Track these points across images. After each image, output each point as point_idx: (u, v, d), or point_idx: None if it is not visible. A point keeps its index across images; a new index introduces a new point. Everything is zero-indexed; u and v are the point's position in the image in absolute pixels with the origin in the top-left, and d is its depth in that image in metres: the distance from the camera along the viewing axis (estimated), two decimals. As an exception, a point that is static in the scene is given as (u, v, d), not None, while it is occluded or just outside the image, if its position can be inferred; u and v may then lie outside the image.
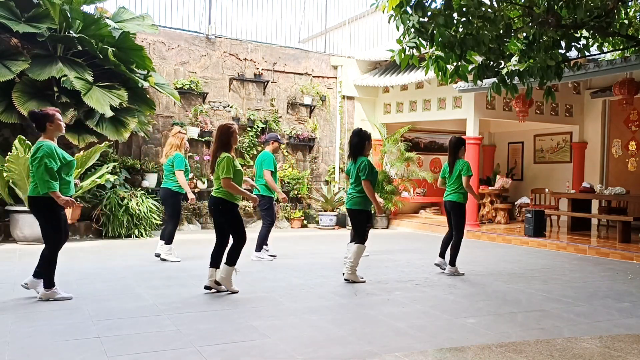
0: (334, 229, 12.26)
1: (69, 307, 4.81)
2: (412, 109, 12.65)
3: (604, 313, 5.06)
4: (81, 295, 5.22)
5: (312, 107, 12.95)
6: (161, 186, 7.50)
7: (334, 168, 13.22)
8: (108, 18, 9.66)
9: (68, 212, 9.18)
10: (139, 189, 10.23)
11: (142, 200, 9.82)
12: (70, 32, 9.06)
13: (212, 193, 5.59)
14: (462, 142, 7.00)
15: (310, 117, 12.99)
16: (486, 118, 12.03)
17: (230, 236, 5.59)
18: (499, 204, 12.54)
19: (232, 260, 5.49)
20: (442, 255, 7.05)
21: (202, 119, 11.47)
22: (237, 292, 5.50)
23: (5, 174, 8.55)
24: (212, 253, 5.62)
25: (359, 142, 6.24)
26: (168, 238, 7.33)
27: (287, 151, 12.61)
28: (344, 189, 13.05)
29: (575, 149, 12.94)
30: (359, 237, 6.23)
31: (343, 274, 6.25)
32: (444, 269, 6.93)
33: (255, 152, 12.01)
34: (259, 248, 7.64)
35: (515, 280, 6.58)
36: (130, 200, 9.63)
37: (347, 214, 6.61)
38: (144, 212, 9.69)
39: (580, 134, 12.86)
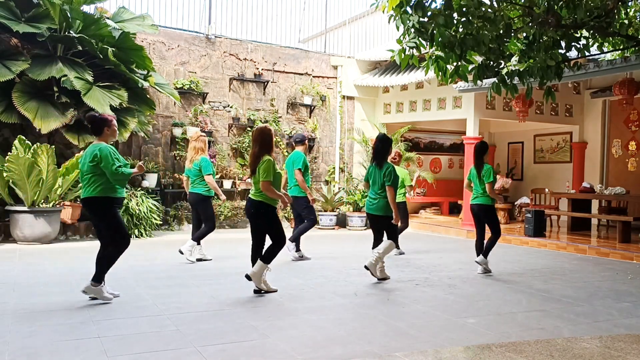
0: (334, 229, 12.25)
1: (69, 307, 4.82)
2: (412, 109, 12.65)
3: (604, 313, 5.06)
4: (81, 295, 5.22)
5: (312, 107, 12.95)
6: (190, 191, 7.39)
7: (334, 168, 13.21)
8: (108, 18, 9.66)
9: (68, 212, 9.25)
10: (139, 189, 10.22)
11: (142, 200, 9.82)
12: (70, 32, 9.06)
13: (251, 196, 5.55)
14: (487, 146, 7.19)
15: (310, 117, 12.99)
16: (486, 118, 12.03)
17: (268, 237, 5.60)
18: (499, 204, 12.52)
19: (268, 259, 5.51)
20: (483, 254, 7.07)
21: (202, 119, 11.47)
22: (275, 290, 5.57)
23: (5, 174, 8.55)
24: (251, 256, 5.64)
25: (384, 148, 6.34)
26: (198, 237, 7.30)
27: (287, 151, 12.60)
28: (344, 189, 13.05)
29: (575, 149, 12.94)
30: (393, 238, 6.36)
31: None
32: (489, 270, 6.98)
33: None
34: (293, 238, 7.68)
35: (515, 280, 6.58)
36: (130, 200, 9.63)
37: (369, 219, 6.59)
38: (144, 212, 9.69)
39: (580, 134, 12.87)
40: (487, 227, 7.10)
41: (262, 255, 5.51)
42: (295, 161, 7.61)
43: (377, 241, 6.48)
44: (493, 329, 4.42)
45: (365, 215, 12.32)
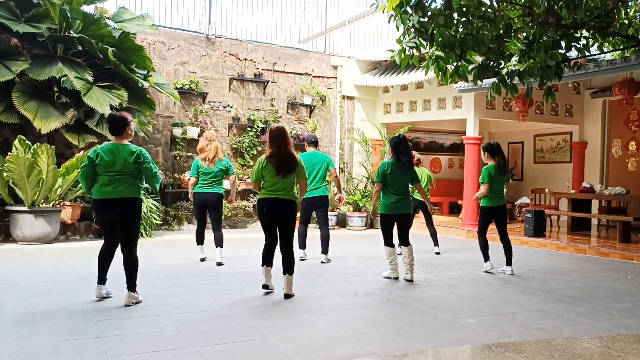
0: (334, 229, 12.24)
1: (69, 307, 4.82)
2: (412, 109, 12.65)
3: (604, 313, 5.06)
4: (81, 296, 5.22)
5: (312, 107, 12.95)
6: (208, 191, 7.19)
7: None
8: (108, 18, 9.66)
9: (68, 212, 9.25)
10: (139, 189, 10.21)
11: (142, 200, 9.81)
12: (70, 32, 9.06)
13: (283, 196, 5.37)
14: None
15: (310, 117, 12.99)
16: (486, 118, 12.03)
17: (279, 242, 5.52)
18: (499, 204, 12.52)
19: (293, 269, 5.45)
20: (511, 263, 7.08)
21: (202, 119, 11.47)
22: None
23: (5, 174, 8.55)
24: (266, 257, 5.53)
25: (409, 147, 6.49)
26: (222, 241, 7.25)
27: (287, 151, 12.59)
28: (344, 189, 13.04)
29: (575, 149, 12.94)
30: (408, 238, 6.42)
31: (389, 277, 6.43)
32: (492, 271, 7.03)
33: (255, 152, 12.03)
34: (326, 250, 7.65)
35: (515, 280, 6.58)
36: (130, 200, 9.61)
37: (396, 219, 6.39)
38: (144, 212, 9.69)
39: (580, 134, 12.87)
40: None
41: (286, 269, 5.39)
42: (331, 161, 7.66)
43: (390, 240, 6.37)
44: (493, 329, 4.42)
45: (365, 215, 12.38)
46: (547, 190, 12.46)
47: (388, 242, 6.42)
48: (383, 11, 5.60)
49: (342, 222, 12.54)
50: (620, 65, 8.59)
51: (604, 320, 4.83)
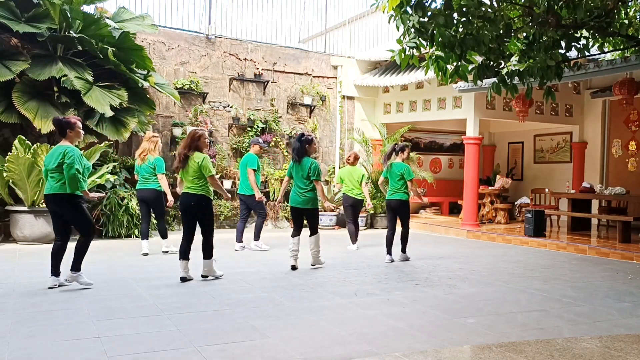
0: (333, 228, 12.25)
1: (69, 307, 4.82)
2: (412, 109, 12.65)
3: (604, 313, 5.06)
4: (81, 295, 5.23)
5: (312, 107, 12.95)
6: (144, 187, 7.96)
7: (334, 168, 13.20)
8: (108, 18, 9.67)
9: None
10: (139, 189, 10.20)
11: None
12: (70, 32, 9.06)
13: (191, 191, 6.08)
14: None
15: (310, 117, 12.99)
16: (486, 118, 12.03)
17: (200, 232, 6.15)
18: (499, 204, 12.54)
19: (212, 253, 6.15)
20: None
21: (202, 119, 11.47)
22: (222, 275, 6.22)
23: (5, 174, 8.55)
24: (185, 249, 6.09)
25: (302, 146, 6.87)
26: (165, 233, 8.12)
27: (287, 151, 12.61)
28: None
29: (575, 149, 12.94)
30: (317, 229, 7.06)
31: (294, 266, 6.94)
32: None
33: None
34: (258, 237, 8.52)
35: (515, 280, 6.58)
36: (130, 200, 9.62)
37: (296, 211, 7.00)
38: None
39: (580, 134, 12.87)
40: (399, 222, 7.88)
41: (206, 253, 6.09)
42: (250, 161, 8.33)
43: (296, 230, 6.97)
44: (493, 329, 4.42)
45: (366, 215, 12.39)
46: (547, 190, 12.46)
47: (294, 232, 6.99)
48: (383, 11, 5.61)
49: (342, 222, 12.53)
50: (620, 65, 8.59)
51: (604, 320, 4.83)
